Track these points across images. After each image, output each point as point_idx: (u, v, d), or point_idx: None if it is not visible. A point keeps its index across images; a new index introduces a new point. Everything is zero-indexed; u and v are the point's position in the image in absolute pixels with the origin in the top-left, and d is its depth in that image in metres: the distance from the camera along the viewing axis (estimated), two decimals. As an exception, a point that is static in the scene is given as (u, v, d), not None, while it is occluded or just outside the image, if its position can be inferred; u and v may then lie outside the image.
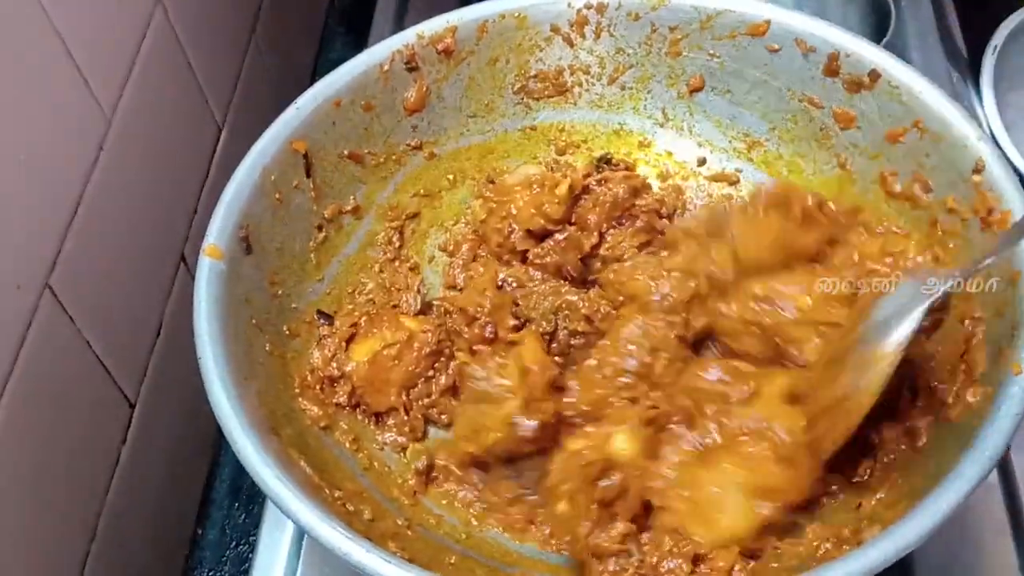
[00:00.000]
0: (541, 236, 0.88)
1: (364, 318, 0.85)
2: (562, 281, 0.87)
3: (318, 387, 0.82)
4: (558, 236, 0.88)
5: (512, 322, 0.85)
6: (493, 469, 0.79)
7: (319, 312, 0.85)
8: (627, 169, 0.93)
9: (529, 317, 0.85)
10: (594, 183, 0.89)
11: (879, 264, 0.80)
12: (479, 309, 0.84)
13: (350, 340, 0.84)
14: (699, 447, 0.75)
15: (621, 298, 0.84)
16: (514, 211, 0.88)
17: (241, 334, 0.75)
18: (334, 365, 0.82)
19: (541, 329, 0.84)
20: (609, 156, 0.95)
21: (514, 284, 0.87)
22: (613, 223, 0.89)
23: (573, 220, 0.89)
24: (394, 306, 0.88)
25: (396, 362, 0.83)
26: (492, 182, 0.91)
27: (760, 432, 0.74)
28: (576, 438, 0.76)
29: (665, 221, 0.91)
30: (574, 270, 0.88)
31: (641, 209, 0.90)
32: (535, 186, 0.88)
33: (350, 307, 0.87)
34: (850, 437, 0.71)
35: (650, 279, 0.83)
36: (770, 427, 0.73)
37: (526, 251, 0.88)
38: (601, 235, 0.88)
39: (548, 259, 0.88)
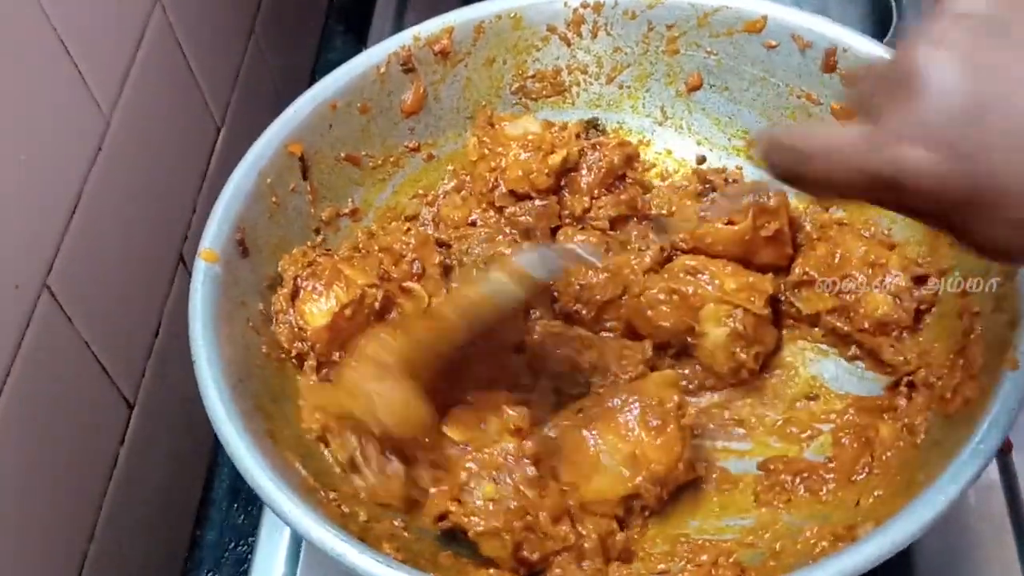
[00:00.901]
0: (522, 197, 0.88)
1: (305, 271, 0.82)
2: (511, 236, 0.88)
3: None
4: (538, 202, 0.88)
5: (437, 258, 0.87)
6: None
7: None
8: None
9: (460, 261, 0.87)
10: (587, 148, 0.90)
11: (858, 271, 0.81)
12: (404, 246, 0.86)
13: (295, 296, 0.81)
14: (580, 414, 0.77)
15: None
16: (504, 166, 0.88)
17: (237, 337, 0.75)
18: (299, 344, 0.80)
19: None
20: (597, 120, 0.95)
21: (481, 224, 0.89)
22: (604, 190, 0.89)
23: (563, 183, 0.89)
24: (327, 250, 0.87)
25: (351, 322, 0.81)
26: (492, 125, 0.90)
27: (636, 404, 0.75)
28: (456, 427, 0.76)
29: (648, 197, 0.91)
30: (542, 237, 0.88)
31: (631, 180, 0.90)
32: (531, 147, 0.88)
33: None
34: None
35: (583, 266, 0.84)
36: (646, 401, 0.75)
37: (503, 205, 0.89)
38: (592, 199, 0.89)
39: (522, 219, 0.88)
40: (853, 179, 0.47)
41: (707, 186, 0.90)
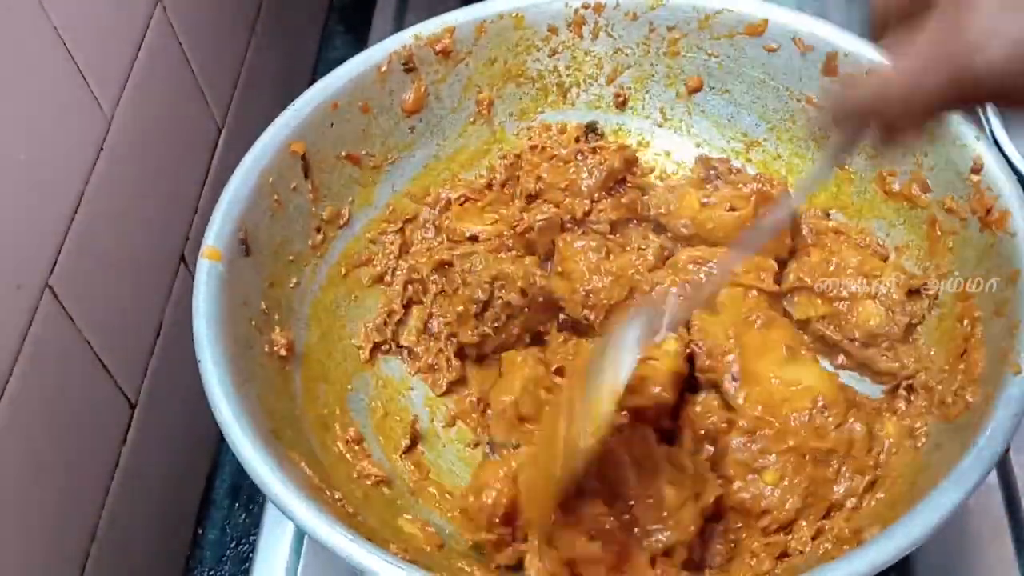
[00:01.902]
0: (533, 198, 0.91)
1: None
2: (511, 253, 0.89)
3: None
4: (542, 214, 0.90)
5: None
6: None
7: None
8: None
9: (465, 281, 0.86)
10: (587, 151, 0.90)
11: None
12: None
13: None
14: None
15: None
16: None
17: (240, 336, 0.75)
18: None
19: (475, 296, 0.85)
20: (595, 124, 0.96)
21: (484, 238, 0.90)
22: (604, 193, 0.90)
23: (564, 186, 0.90)
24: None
25: None
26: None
27: None
28: None
29: (647, 198, 0.92)
30: (542, 248, 0.90)
31: (631, 184, 0.91)
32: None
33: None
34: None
35: (587, 272, 0.85)
36: None
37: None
38: (592, 203, 0.89)
39: (527, 235, 0.89)
40: (930, 97, 0.51)
41: (711, 172, 0.91)
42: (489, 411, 0.83)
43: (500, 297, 0.85)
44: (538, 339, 0.88)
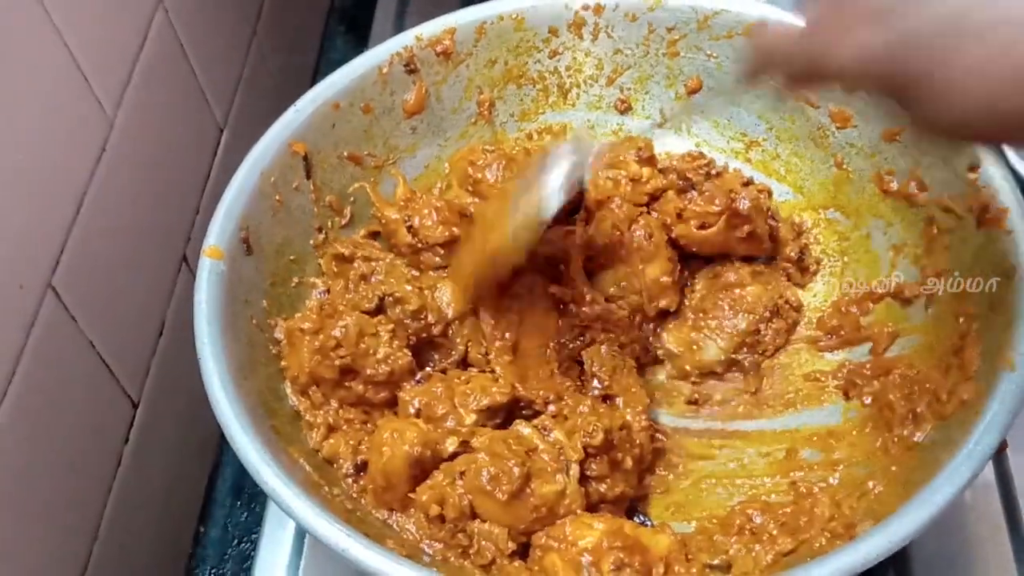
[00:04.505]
0: None
1: None
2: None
3: None
4: None
5: None
6: None
7: None
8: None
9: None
10: None
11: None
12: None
13: None
14: None
15: None
16: None
17: (242, 334, 0.76)
18: None
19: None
20: None
21: None
22: None
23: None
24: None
25: None
26: None
27: None
28: None
29: None
30: None
31: None
32: None
33: None
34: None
35: None
36: None
37: None
38: None
39: None
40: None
41: (685, 182, 0.91)
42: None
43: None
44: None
